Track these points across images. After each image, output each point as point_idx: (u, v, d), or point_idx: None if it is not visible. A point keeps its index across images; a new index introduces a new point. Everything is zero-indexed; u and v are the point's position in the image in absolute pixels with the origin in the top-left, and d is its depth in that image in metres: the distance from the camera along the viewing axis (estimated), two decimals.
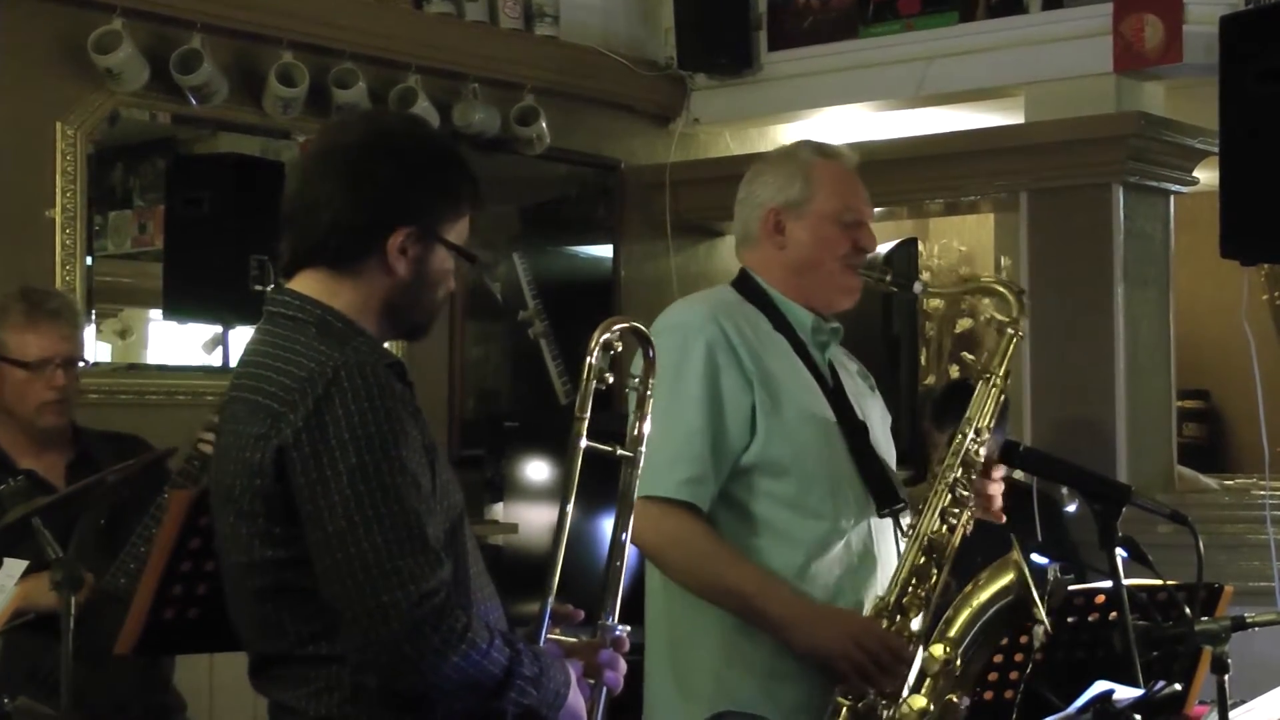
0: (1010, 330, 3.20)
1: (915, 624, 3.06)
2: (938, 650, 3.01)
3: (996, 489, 3.22)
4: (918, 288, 3.36)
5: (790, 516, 3.10)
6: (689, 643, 3.13)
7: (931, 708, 2.97)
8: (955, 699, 3.02)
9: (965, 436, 3.15)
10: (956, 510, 3.12)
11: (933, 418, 4.63)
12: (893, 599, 3.07)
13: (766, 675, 3.07)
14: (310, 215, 2.36)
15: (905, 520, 3.17)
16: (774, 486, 3.09)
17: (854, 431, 3.18)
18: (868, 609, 3.07)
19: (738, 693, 3.08)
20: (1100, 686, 2.74)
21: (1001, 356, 3.21)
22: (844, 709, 3.01)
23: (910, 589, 3.07)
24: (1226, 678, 2.77)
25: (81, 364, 3.87)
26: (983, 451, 3.16)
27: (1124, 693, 2.73)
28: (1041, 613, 2.96)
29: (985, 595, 3.04)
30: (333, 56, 5.54)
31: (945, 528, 3.11)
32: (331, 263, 2.37)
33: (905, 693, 2.99)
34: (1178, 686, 2.85)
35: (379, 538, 2.18)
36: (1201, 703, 3.37)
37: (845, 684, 3.00)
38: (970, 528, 3.14)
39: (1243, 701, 2.97)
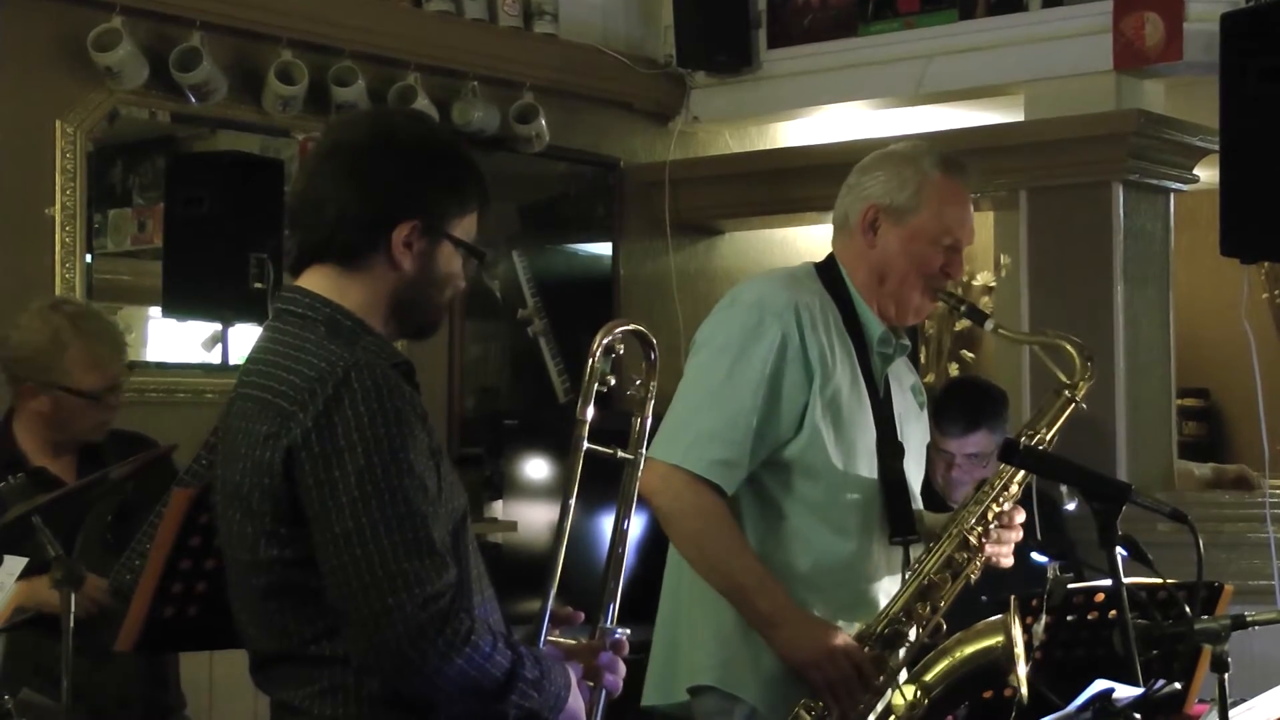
0: (1067, 393, 3.14)
1: (895, 659, 3.06)
2: (909, 691, 3.01)
3: (1007, 549, 3.18)
4: (989, 325, 3.26)
5: (812, 521, 3.10)
6: (705, 611, 3.14)
7: None
8: None
9: (994, 489, 3.13)
10: (965, 558, 3.10)
11: (931, 417, 4.60)
12: (879, 629, 3.07)
13: (763, 666, 3.09)
14: (316, 212, 2.37)
15: (915, 553, 3.16)
16: (805, 488, 3.10)
17: (889, 451, 3.17)
18: (854, 631, 3.07)
19: (734, 675, 3.10)
20: (1100, 685, 2.74)
21: (1052, 420, 3.15)
22: None
23: (899, 623, 3.07)
24: (1226, 676, 2.76)
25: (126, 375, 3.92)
26: (1006, 507, 3.14)
27: (1124, 691, 2.73)
28: (1023, 682, 2.94)
29: (970, 649, 3.04)
30: (332, 55, 5.54)
31: (949, 573, 3.10)
32: (339, 259, 2.37)
33: None
34: (1177, 685, 2.85)
35: (385, 540, 2.18)
36: (1201, 701, 3.36)
37: (813, 697, 3.00)
38: (976, 577, 3.13)
39: (1243, 700, 2.97)
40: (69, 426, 3.81)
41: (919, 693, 3.00)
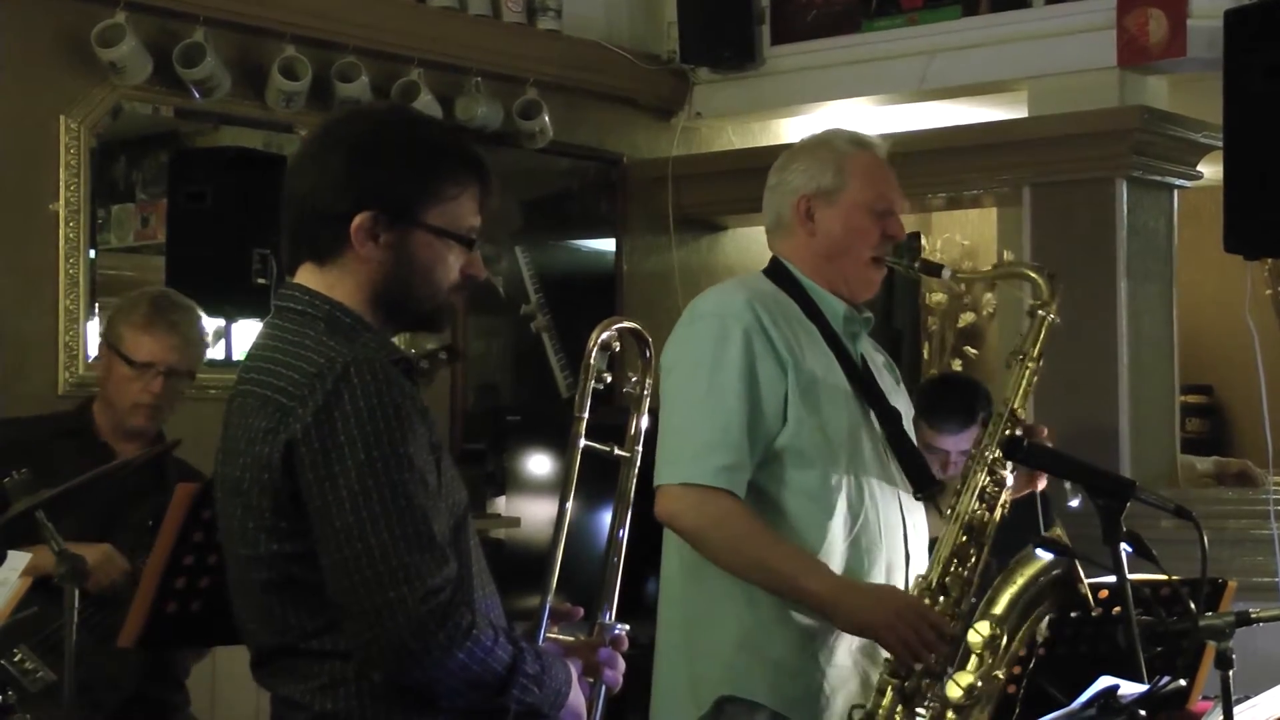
0: (1041, 313, 3.19)
1: (961, 602, 3.08)
2: (984, 627, 3.02)
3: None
4: (946, 274, 3.32)
5: (810, 505, 3.11)
6: (704, 629, 3.15)
7: (980, 684, 2.98)
8: (1000, 674, 3.04)
9: (1002, 418, 3.15)
10: (995, 490, 3.13)
11: (922, 415, 4.53)
12: (935, 578, 3.09)
13: (774, 667, 3.09)
14: (288, 210, 2.37)
15: (942, 503, 3.19)
16: (797, 475, 3.12)
17: (888, 419, 3.21)
18: (911, 588, 3.10)
19: (745, 681, 3.10)
20: (1105, 682, 2.74)
21: (1034, 339, 3.19)
22: (889, 688, 3.03)
23: (952, 569, 3.09)
24: (1230, 673, 2.76)
25: (188, 378, 3.94)
26: (1019, 432, 3.16)
27: (1128, 688, 2.73)
28: (1086, 588, 2.98)
29: (1030, 571, 3.06)
30: (335, 50, 5.54)
31: (984, 507, 3.12)
32: (314, 256, 2.36)
33: (950, 670, 3.01)
34: (1182, 682, 2.84)
35: (385, 534, 2.17)
36: (1204, 698, 3.37)
37: (891, 661, 3.03)
38: (1009, 508, 3.15)
39: (1246, 697, 2.96)
40: (113, 399, 3.86)
41: (994, 625, 3.02)
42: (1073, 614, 3.28)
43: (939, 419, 4.46)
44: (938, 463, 4.43)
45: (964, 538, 3.10)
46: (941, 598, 3.07)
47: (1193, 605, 2.85)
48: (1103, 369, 5.60)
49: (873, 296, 3.33)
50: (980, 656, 3.02)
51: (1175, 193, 5.94)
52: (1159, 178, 5.82)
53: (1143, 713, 2.71)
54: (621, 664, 2.50)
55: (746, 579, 3.09)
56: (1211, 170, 5.77)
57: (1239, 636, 2.81)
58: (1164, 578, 3.03)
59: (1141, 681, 2.75)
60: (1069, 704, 2.80)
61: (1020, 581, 3.06)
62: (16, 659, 3.50)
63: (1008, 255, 6.32)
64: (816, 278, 3.25)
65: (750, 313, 3.14)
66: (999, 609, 3.05)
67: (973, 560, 3.10)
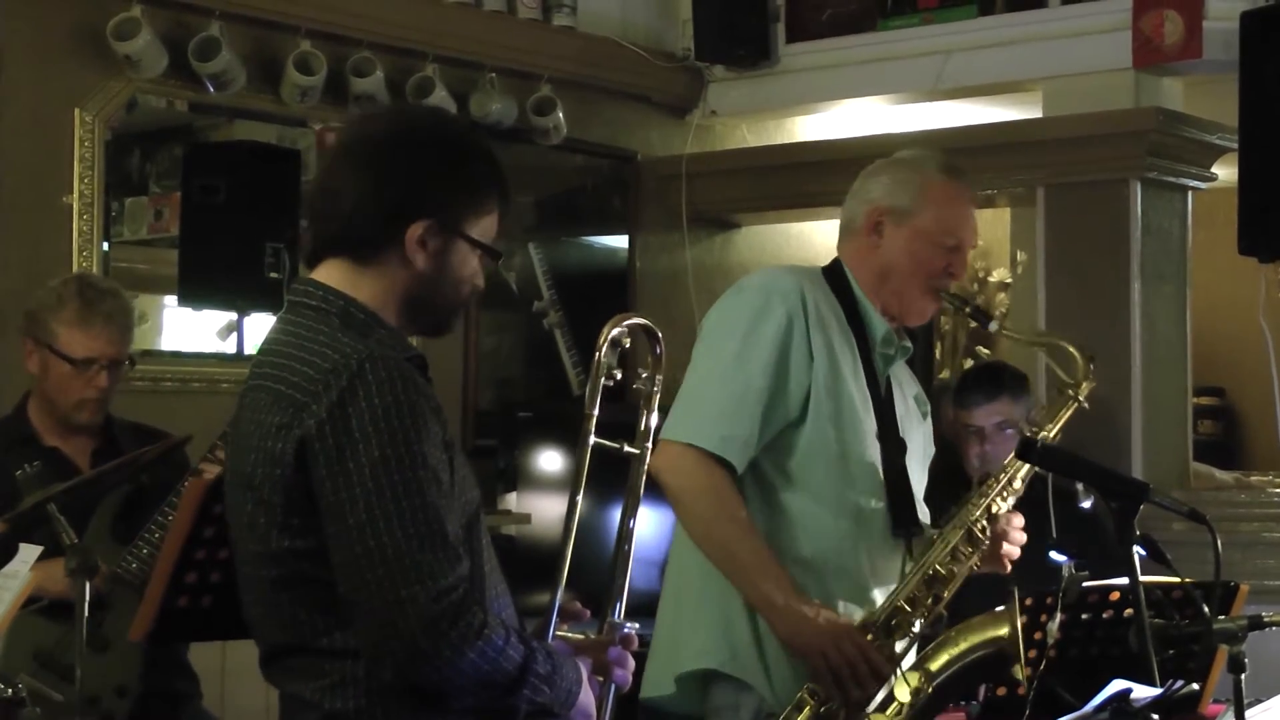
0: (1070, 393, 3.18)
1: (898, 646, 3.07)
2: (913, 679, 3.02)
3: (1013, 551, 3.20)
4: (993, 327, 3.32)
5: (811, 506, 3.12)
6: (705, 595, 3.15)
7: None
8: None
9: (997, 484, 3.14)
10: (969, 550, 3.12)
11: (954, 400, 4.50)
12: (883, 617, 3.09)
13: (765, 649, 3.10)
14: (332, 204, 2.36)
15: (915, 549, 3.17)
16: (807, 474, 3.12)
17: (891, 446, 3.19)
18: (857, 620, 3.08)
19: (737, 661, 3.11)
20: (1117, 685, 2.73)
21: (1054, 417, 3.19)
22: (807, 706, 3.03)
23: (903, 613, 3.08)
24: (1243, 677, 2.75)
25: (130, 364, 3.88)
26: (1010, 503, 3.15)
27: (1141, 692, 2.72)
28: (1023, 674, 2.97)
29: (974, 640, 3.05)
30: (350, 45, 5.54)
31: (953, 563, 3.11)
32: (351, 253, 2.36)
33: (870, 708, 3.00)
34: (1194, 686, 2.84)
35: (399, 532, 2.17)
36: (1216, 702, 3.36)
37: (816, 683, 3.01)
38: (977, 569, 3.14)
39: (1258, 701, 2.96)
40: (55, 398, 3.78)
41: (923, 680, 3.01)
42: (1083, 615, 3.27)
43: (964, 397, 4.42)
44: (975, 443, 4.38)
45: (924, 587, 3.10)
46: (885, 637, 3.06)
47: (1205, 608, 2.85)
48: (1115, 370, 5.59)
49: (921, 324, 3.32)
50: (901, 705, 3.02)
51: (1190, 194, 5.93)
52: (1174, 179, 5.81)
53: (1155, 716, 2.71)
54: (631, 663, 2.50)
55: (707, 554, 3.10)
56: (1226, 172, 5.76)
57: (1251, 640, 2.81)
58: (1176, 580, 3.03)
59: (1154, 685, 2.74)
60: (1078, 706, 2.80)
61: (962, 646, 3.06)
62: (22, 684, 3.48)
63: (1021, 256, 6.31)
64: (869, 292, 3.25)
65: (798, 297, 3.14)
66: (934, 665, 3.06)
67: (927, 610, 3.09)
